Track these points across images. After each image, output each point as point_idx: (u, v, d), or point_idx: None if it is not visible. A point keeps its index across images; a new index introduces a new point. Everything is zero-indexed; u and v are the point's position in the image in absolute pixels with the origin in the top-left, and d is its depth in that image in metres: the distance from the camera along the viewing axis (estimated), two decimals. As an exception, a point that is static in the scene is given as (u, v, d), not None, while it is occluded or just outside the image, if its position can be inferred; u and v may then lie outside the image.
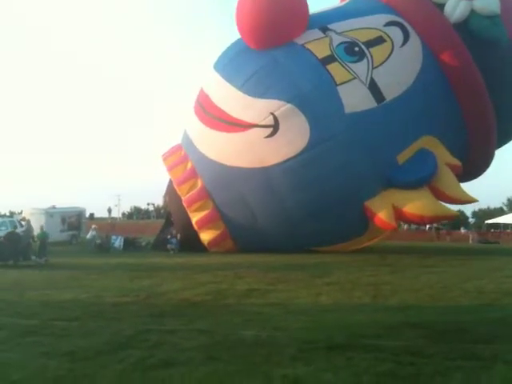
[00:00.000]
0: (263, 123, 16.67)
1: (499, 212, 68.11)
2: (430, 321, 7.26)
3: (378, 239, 20.19)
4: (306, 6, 17.41)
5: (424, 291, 10.30)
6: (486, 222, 54.82)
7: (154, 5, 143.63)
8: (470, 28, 17.20)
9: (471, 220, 76.21)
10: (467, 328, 6.76)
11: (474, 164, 19.20)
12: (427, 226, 56.09)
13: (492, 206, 79.32)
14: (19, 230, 21.47)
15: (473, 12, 17.21)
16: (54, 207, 29.14)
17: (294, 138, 16.44)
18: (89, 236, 24.23)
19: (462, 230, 50.76)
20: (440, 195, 17.12)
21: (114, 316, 7.70)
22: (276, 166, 16.80)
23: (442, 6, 17.49)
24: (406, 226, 60.29)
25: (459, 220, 67.63)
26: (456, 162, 17.62)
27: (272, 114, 16.50)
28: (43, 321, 7.24)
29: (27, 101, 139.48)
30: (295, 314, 7.84)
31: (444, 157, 17.27)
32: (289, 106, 16.33)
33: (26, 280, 12.49)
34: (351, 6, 19.74)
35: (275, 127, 16.56)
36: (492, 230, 52.32)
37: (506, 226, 52.39)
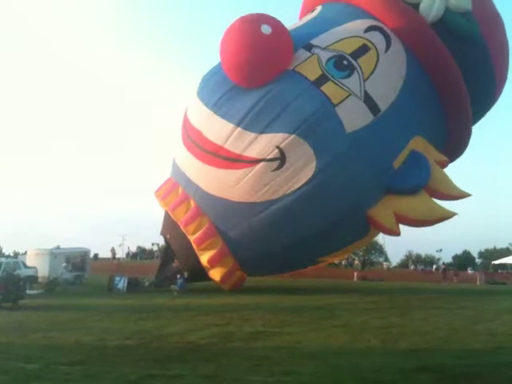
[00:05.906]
0: (269, 157, 16.63)
1: (506, 252, 67.33)
2: (443, 364, 7.10)
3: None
4: (289, 41, 17.04)
5: (434, 334, 10.11)
6: (493, 262, 54.29)
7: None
8: (446, 26, 17.43)
9: (478, 260, 75.44)
10: (480, 372, 6.61)
11: (453, 150, 19.62)
12: (434, 267, 55.57)
13: (498, 247, 78.65)
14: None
15: (447, 10, 17.53)
16: (58, 248, 29.03)
17: (302, 167, 16.46)
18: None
19: (469, 271, 50.16)
20: (433, 193, 17.29)
21: (118, 360, 7.56)
22: (286, 197, 16.80)
23: (415, 6, 17.62)
24: (412, 267, 59.84)
25: (466, 261, 67.05)
26: (443, 158, 18.01)
27: (277, 147, 16.50)
28: (46, 364, 7.12)
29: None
30: (304, 357, 7.67)
31: (432, 155, 17.55)
32: (292, 136, 16.29)
33: (29, 321, 12.31)
34: (326, 16, 19.48)
35: (282, 159, 16.54)
36: (499, 271, 51.73)
37: (512, 266, 51.90)
